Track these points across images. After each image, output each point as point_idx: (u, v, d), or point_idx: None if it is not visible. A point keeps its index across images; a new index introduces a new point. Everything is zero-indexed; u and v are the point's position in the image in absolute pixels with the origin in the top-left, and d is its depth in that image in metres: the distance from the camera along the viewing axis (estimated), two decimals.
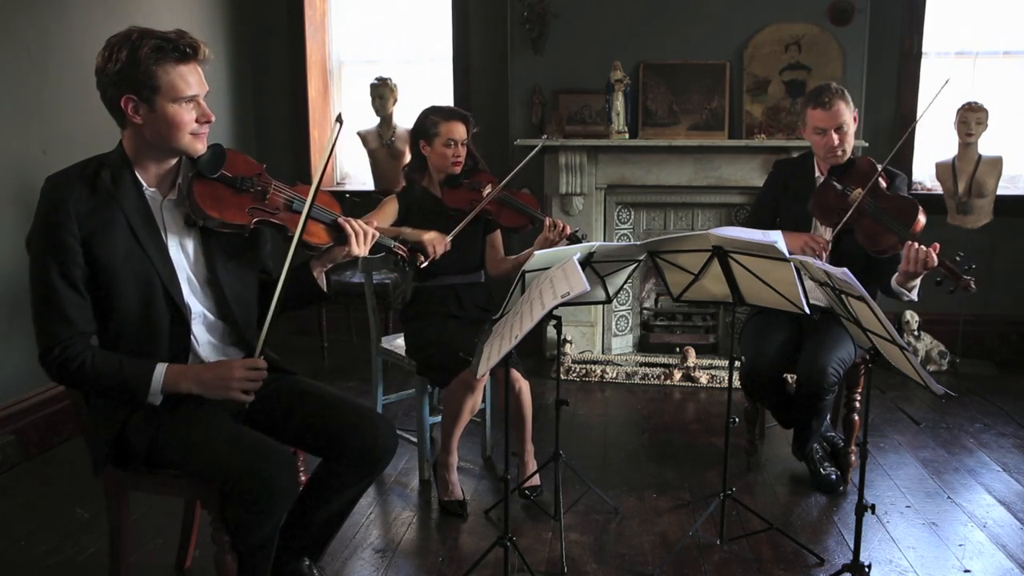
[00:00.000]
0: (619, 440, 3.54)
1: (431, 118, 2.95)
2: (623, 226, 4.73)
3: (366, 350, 3.41)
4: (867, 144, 4.29)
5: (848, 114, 2.86)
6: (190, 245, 1.94)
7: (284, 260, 1.87)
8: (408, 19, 5.11)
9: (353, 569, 2.47)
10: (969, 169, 4.28)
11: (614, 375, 4.37)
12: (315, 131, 5.18)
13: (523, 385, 2.91)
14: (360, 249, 2.02)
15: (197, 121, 1.84)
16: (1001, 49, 4.62)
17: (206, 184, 1.88)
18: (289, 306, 2.03)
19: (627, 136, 4.45)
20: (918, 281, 2.70)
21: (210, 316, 1.97)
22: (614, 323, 4.75)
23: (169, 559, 2.46)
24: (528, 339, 2.00)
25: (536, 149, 3.13)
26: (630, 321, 4.83)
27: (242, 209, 1.90)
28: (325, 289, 2.07)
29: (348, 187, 5.23)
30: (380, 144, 4.80)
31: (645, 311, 4.89)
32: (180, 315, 1.89)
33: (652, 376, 4.36)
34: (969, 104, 4.22)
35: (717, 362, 4.49)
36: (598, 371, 4.38)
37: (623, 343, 4.81)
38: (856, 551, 2.21)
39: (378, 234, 2.07)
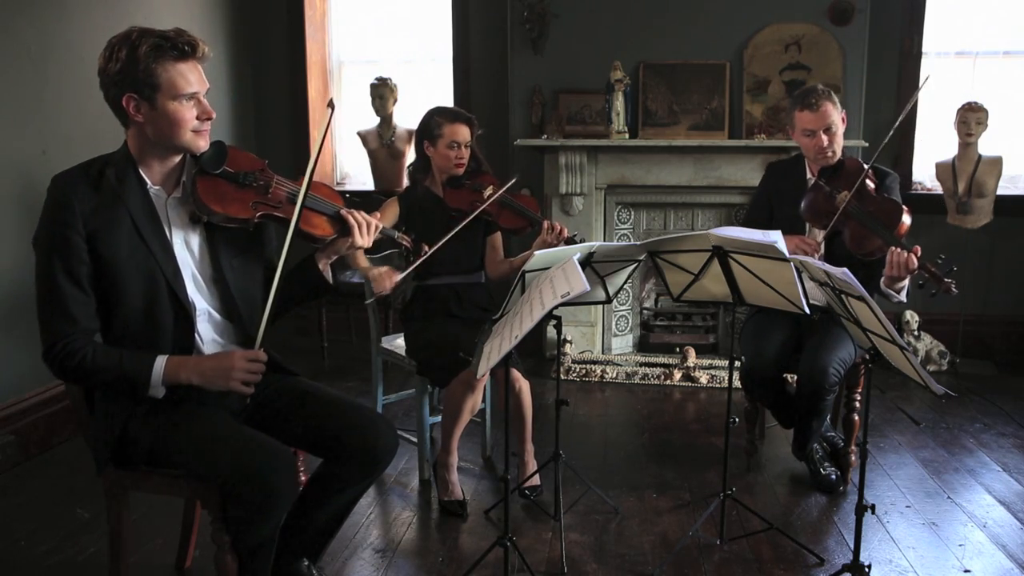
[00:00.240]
0: (619, 440, 3.54)
1: (435, 119, 2.95)
2: (623, 226, 4.73)
3: (366, 350, 3.41)
4: (867, 144, 4.29)
5: (836, 115, 2.85)
6: (195, 242, 1.95)
7: (288, 252, 1.88)
8: (408, 19, 5.11)
9: (353, 569, 2.47)
10: (969, 169, 4.28)
11: (614, 375, 4.37)
12: (315, 131, 5.17)
13: (523, 385, 2.92)
14: (364, 240, 2.03)
15: (198, 118, 1.85)
16: (1001, 49, 4.63)
17: (209, 180, 1.90)
18: (296, 299, 2.04)
19: (627, 136, 4.45)
20: (905, 283, 2.69)
21: (215, 314, 1.97)
22: (614, 323, 4.75)
23: (169, 559, 2.46)
24: (528, 339, 2.00)
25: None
26: (630, 321, 4.83)
27: (245, 204, 1.92)
28: (331, 281, 2.08)
29: (348, 187, 5.23)
30: (380, 144, 4.80)
31: (645, 311, 4.89)
32: (184, 312, 1.90)
33: (652, 376, 4.36)
34: (969, 104, 4.22)
35: (717, 362, 4.49)
36: (598, 371, 4.38)
37: (623, 343, 4.81)
38: (856, 551, 2.21)
39: (382, 224, 2.08)
